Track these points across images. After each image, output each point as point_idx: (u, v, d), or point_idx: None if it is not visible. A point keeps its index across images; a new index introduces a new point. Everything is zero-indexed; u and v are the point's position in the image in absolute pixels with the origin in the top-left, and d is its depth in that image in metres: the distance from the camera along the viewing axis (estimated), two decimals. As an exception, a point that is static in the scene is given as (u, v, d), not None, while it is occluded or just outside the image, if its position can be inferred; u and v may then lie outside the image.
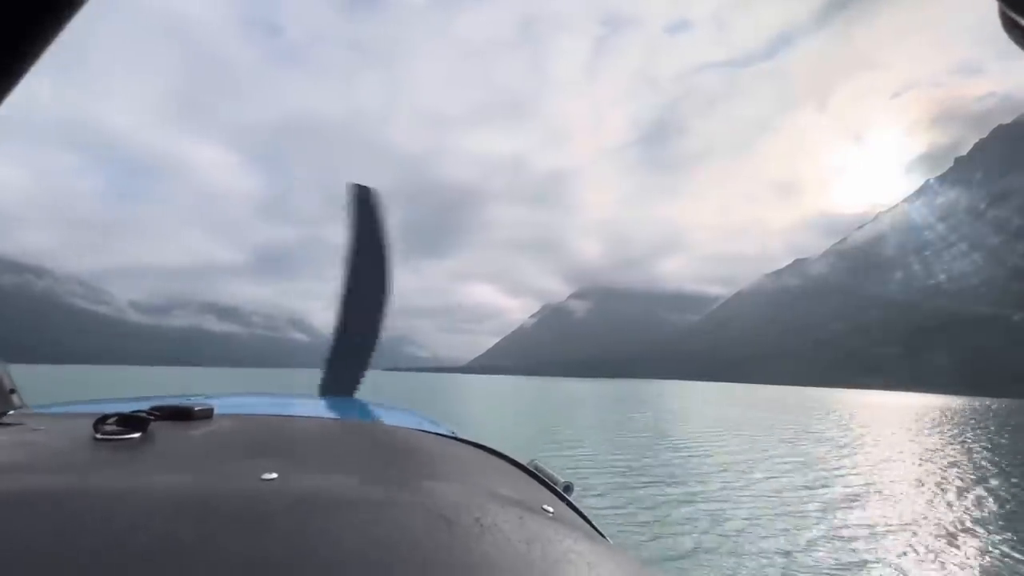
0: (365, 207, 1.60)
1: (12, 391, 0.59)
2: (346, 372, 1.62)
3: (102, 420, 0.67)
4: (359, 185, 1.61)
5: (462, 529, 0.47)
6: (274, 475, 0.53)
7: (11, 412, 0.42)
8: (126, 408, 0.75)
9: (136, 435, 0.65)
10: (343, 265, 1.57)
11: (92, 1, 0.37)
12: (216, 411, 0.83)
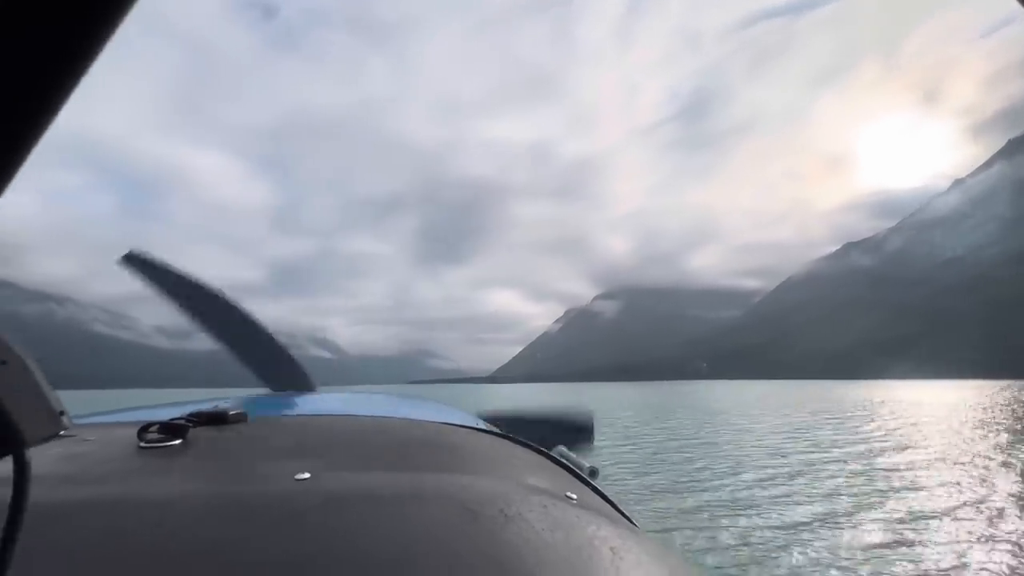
0: (149, 267, 1.65)
1: (62, 413, 0.51)
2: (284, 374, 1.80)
3: (144, 429, 0.72)
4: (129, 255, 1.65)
5: (488, 520, 0.50)
6: (307, 475, 0.58)
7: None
8: (163, 415, 0.79)
9: (177, 442, 0.70)
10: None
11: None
12: (250, 416, 0.87)
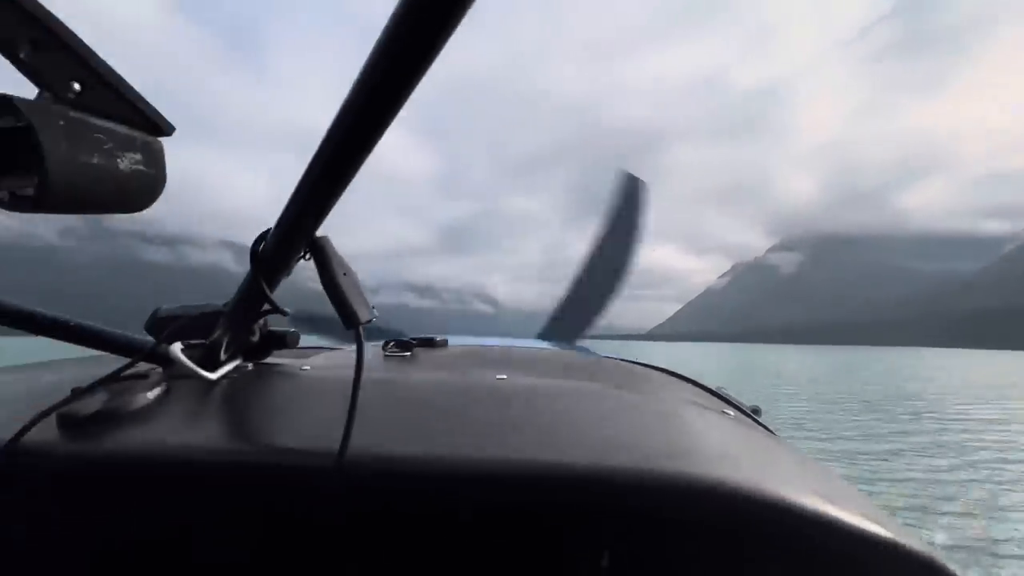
0: (631, 194, 1.86)
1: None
2: (571, 322, 1.86)
3: (385, 345, 1.01)
4: (630, 175, 1.88)
5: (674, 425, 0.56)
6: (505, 376, 0.73)
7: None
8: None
9: (407, 353, 0.96)
10: (599, 232, 1.84)
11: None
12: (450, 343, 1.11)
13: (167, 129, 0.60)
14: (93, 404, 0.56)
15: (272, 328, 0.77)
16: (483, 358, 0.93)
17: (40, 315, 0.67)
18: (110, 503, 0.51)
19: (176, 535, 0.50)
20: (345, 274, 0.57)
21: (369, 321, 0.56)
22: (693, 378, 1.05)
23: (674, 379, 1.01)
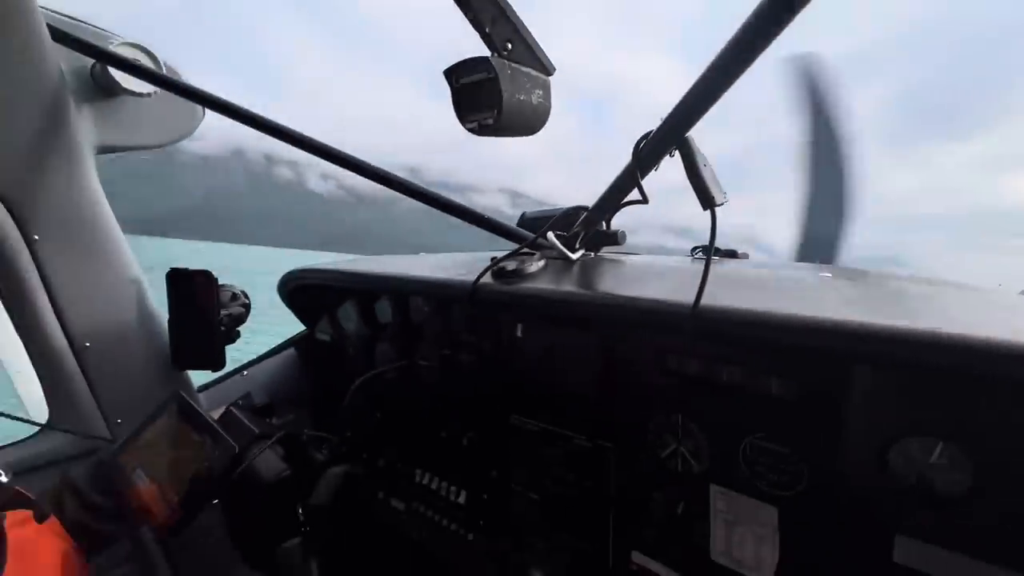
0: (810, 79, 1.70)
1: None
2: (822, 240, 1.79)
3: (692, 251, 1.06)
4: (802, 56, 1.66)
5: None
6: (829, 274, 0.78)
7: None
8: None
9: (738, 262, 0.99)
10: (803, 141, 1.79)
11: None
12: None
13: (551, 68, 0.80)
14: (509, 266, 0.87)
15: (609, 229, 0.97)
16: (788, 266, 0.98)
17: (471, 211, 1.01)
18: (520, 323, 0.88)
19: (547, 352, 0.86)
20: (704, 166, 0.69)
21: (721, 204, 0.68)
22: None
23: None
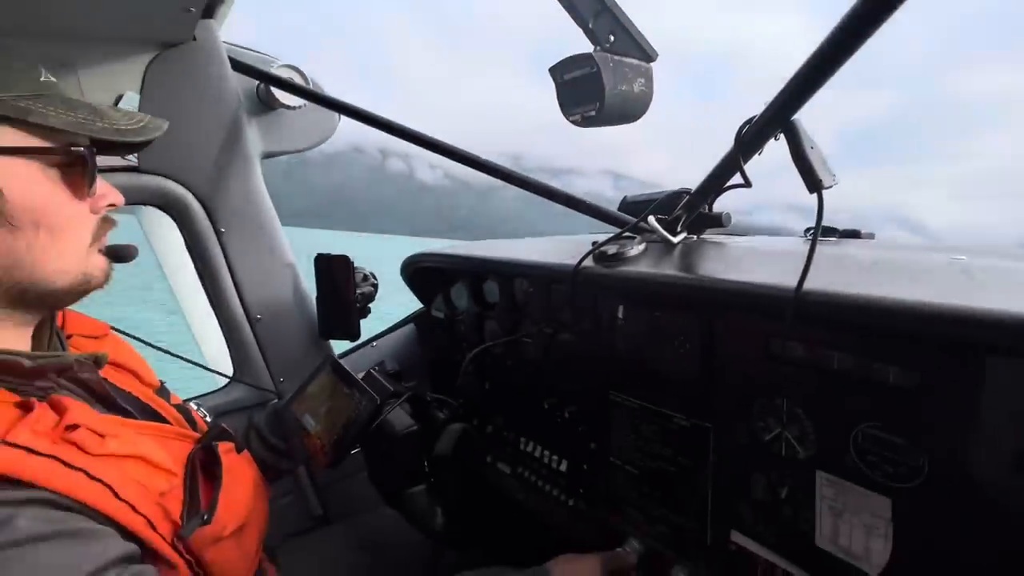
0: None
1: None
2: None
3: (806, 232, 0.97)
4: None
5: None
6: (963, 257, 0.71)
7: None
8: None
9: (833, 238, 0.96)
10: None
11: None
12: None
13: (653, 55, 0.82)
14: (610, 249, 0.91)
15: (713, 212, 0.96)
16: (917, 248, 0.94)
17: (571, 197, 1.07)
18: (621, 305, 0.89)
19: (646, 333, 0.88)
20: (812, 148, 0.68)
21: (829, 187, 0.67)
22: None
23: None
